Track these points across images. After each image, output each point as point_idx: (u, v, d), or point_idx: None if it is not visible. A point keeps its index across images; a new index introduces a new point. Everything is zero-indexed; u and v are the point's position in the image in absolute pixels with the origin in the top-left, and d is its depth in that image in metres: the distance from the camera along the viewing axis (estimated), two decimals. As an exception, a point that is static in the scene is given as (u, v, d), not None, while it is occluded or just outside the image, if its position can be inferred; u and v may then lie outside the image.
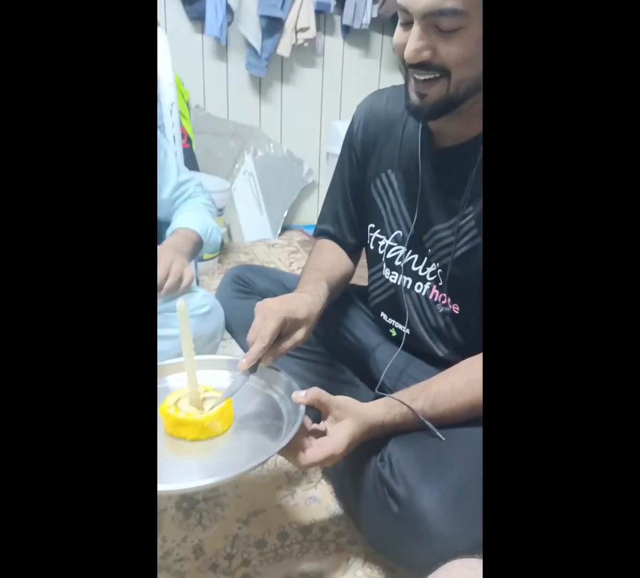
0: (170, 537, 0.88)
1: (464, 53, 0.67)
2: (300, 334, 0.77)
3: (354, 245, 1.02)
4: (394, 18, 2.41)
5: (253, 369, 0.73)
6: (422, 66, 0.70)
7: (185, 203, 1.11)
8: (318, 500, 0.96)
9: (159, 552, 0.85)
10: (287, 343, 0.76)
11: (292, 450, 0.67)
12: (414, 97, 0.75)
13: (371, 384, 0.98)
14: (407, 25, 0.70)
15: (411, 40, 0.68)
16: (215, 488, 0.97)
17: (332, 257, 1.00)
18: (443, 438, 0.74)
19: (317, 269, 0.94)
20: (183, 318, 0.66)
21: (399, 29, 0.72)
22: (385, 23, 2.51)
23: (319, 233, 1.06)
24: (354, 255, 1.04)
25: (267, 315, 0.73)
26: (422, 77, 0.71)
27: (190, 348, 0.68)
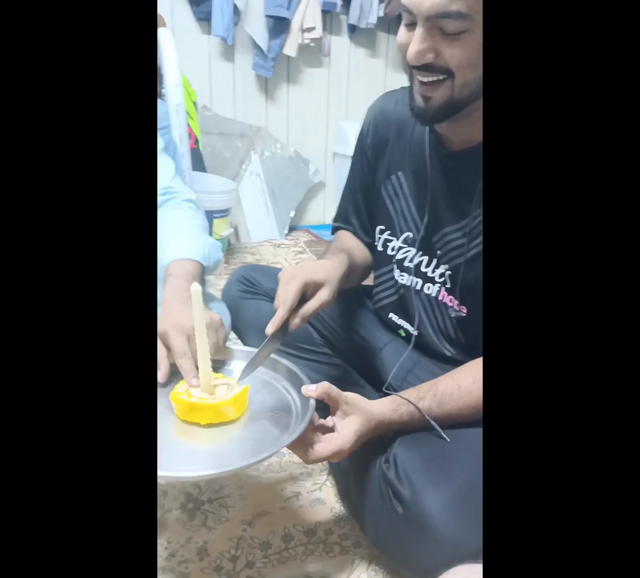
0: (175, 538, 0.87)
1: (468, 55, 0.67)
2: (324, 294, 0.78)
3: (368, 244, 1.03)
4: (400, 17, 2.40)
5: (283, 333, 0.77)
6: (425, 68, 0.70)
7: (170, 216, 0.97)
8: (323, 502, 0.96)
9: (164, 554, 0.85)
10: (313, 304, 0.78)
11: (300, 444, 0.67)
12: (418, 100, 0.74)
13: (377, 385, 0.98)
14: (411, 26, 0.69)
15: (414, 42, 0.68)
16: (219, 489, 0.97)
17: (353, 242, 1.02)
18: (448, 439, 0.74)
19: (338, 248, 0.96)
20: (197, 304, 0.65)
21: (402, 30, 0.71)
22: (392, 22, 2.51)
23: (334, 230, 1.08)
24: (371, 254, 1.04)
25: (289, 281, 0.76)
26: (425, 79, 0.71)
27: (203, 335, 0.67)
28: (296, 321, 0.76)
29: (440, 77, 0.70)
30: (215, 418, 0.68)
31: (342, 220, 1.05)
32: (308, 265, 0.81)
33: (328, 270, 0.81)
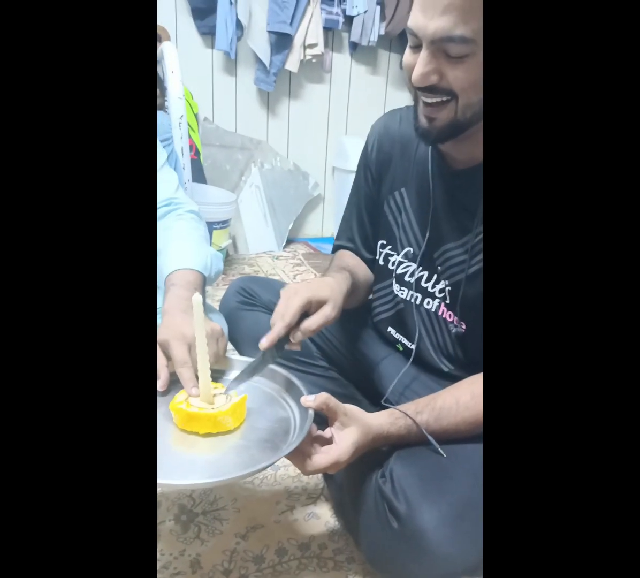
0: (168, 550, 0.87)
1: (471, 78, 0.68)
2: (328, 309, 0.77)
3: (371, 260, 1.03)
4: (401, 36, 2.44)
5: (279, 349, 0.75)
6: (429, 89, 0.71)
7: (173, 227, 0.98)
8: (317, 516, 0.95)
9: (156, 565, 0.84)
10: (317, 318, 0.76)
11: (298, 455, 0.67)
12: (422, 120, 0.76)
13: (374, 399, 0.98)
14: (416, 48, 0.70)
15: (419, 65, 0.69)
16: (214, 501, 0.97)
17: (353, 261, 1.02)
18: (444, 455, 0.74)
19: (340, 267, 0.96)
20: (198, 314, 0.66)
21: (408, 51, 0.73)
22: (393, 41, 2.54)
23: (336, 249, 1.08)
24: (371, 270, 1.04)
25: (290, 296, 0.75)
26: (430, 100, 0.72)
27: (203, 345, 0.68)
28: (298, 335, 0.75)
29: (444, 99, 0.71)
30: (214, 428, 0.68)
31: (345, 239, 1.05)
32: (311, 283, 0.81)
33: (331, 287, 0.81)
